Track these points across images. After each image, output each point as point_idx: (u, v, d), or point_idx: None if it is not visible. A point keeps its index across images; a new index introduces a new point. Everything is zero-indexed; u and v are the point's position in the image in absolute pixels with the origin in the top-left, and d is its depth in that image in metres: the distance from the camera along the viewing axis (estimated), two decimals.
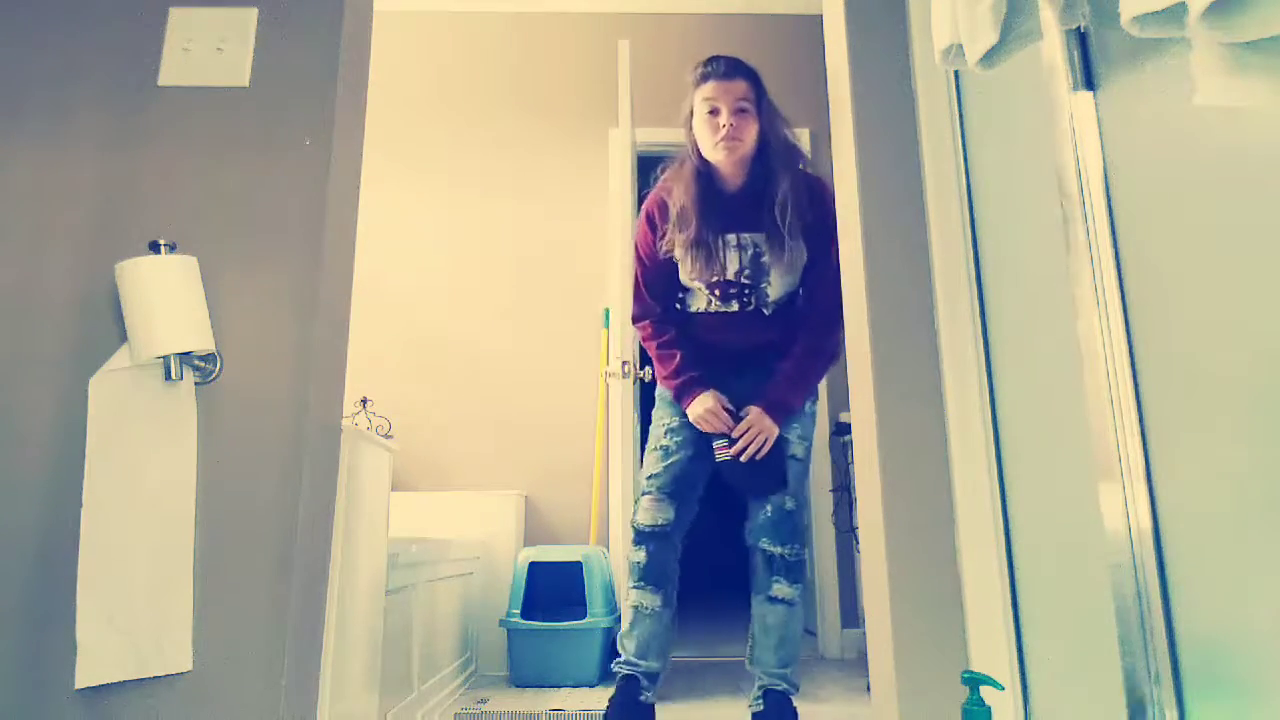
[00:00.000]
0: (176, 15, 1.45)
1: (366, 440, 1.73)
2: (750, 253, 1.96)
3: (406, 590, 2.13)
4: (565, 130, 3.77)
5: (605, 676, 2.60)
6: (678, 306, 2.11)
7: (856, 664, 3.12)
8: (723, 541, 3.80)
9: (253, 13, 1.45)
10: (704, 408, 1.94)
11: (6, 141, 1.40)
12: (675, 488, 1.99)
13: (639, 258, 2.08)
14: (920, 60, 1.50)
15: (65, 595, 1.21)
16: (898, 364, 1.44)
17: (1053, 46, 1.00)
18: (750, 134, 1.91)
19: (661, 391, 2.12)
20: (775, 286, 1.98)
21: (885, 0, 1.58)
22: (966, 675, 1.12)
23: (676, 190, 1.97)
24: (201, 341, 1.27)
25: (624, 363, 2.81)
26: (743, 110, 1.90)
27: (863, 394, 1.51)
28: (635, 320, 2.12)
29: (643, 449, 2.19)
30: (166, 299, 1.25)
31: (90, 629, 1.19)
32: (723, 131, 1.88)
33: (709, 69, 1.95)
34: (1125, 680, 0.91)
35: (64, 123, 1.41)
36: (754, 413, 1.92)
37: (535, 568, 2.82)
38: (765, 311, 2.00)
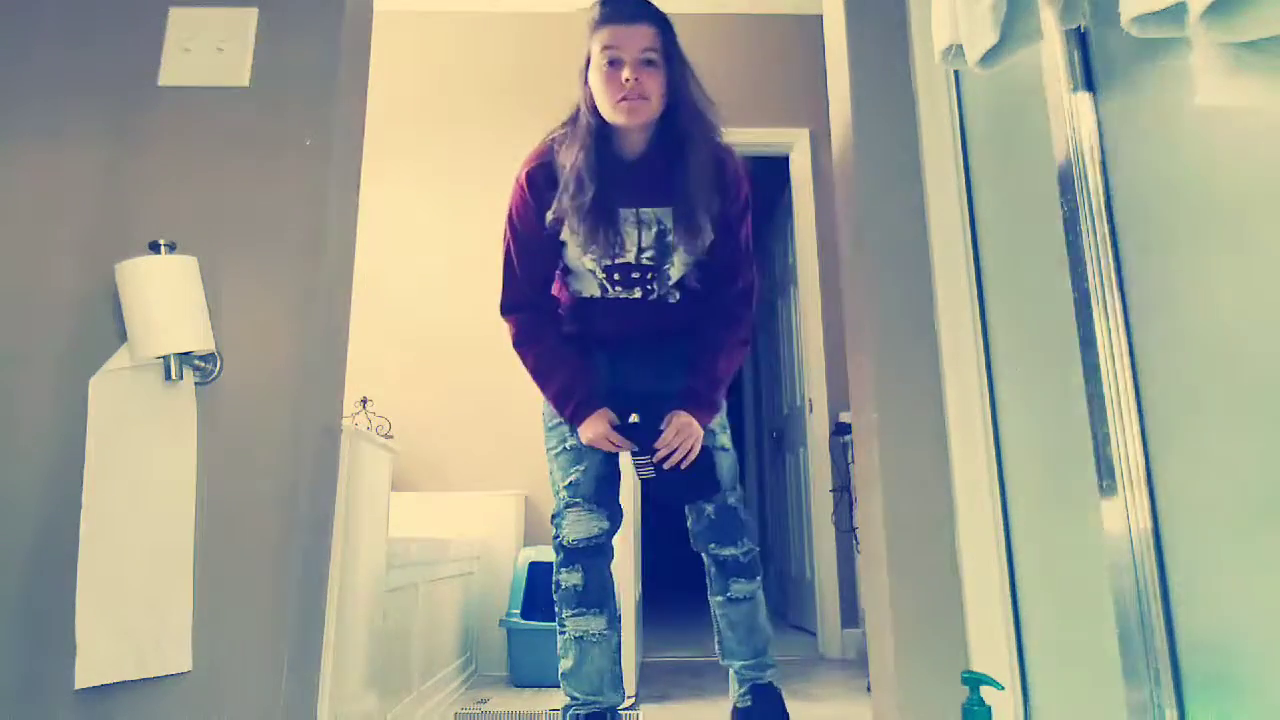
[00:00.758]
0: (176, 15, 1.45)
1: (366, 440, 1.73)
2: (654, 230, 1.63)
3: (406, 590, 2.13)
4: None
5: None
6: (555, 294, 1.78)
7: (856, 664, 3.12)
8: None
9: (253, 13, 1.45)
10: (594, 432, 1.63)
11: (6, 141, 1.40)
12: (600, 492, 1.69)
13: (513, 231, 1.68)
14: (920, 60, 1.50)
15: (65, 595, 1.21)
16: (898, 364, 1.44)
17: (1053, 46, 1.00)
18: (657, 92, 1.55)
19: None
20: (677, 269, 1.68)
21: (885, 0, 1.58)
22: (966, 675, 1.12)
23: (566, 154, 1.61)
24: (201, 341, 1.27)
25: None
26: (649, 63, 1.54)
27: (863, 394, 1.51)
28: (505, 311, 1.71)
29: None
30: (166, 299, 1.25)
31: (90, 629, 1.19)
32: (625, 89, 1.52)
33: (608, 9, 1.57)
34: (1125, 680, 0.91)
35: (64, 123, 1.41)
36: (679, 420, 1.61)
37: (535, 568, 2.82)
38: (671, 299, 1.71)
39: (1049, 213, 1.09)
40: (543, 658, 2.63)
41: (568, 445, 1.71)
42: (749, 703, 1.76)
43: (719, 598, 1.75)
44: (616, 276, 1.68)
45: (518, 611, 2.74)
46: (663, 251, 1.66)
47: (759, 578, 1.75)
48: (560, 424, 1.72)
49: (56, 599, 1.22)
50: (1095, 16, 0.93)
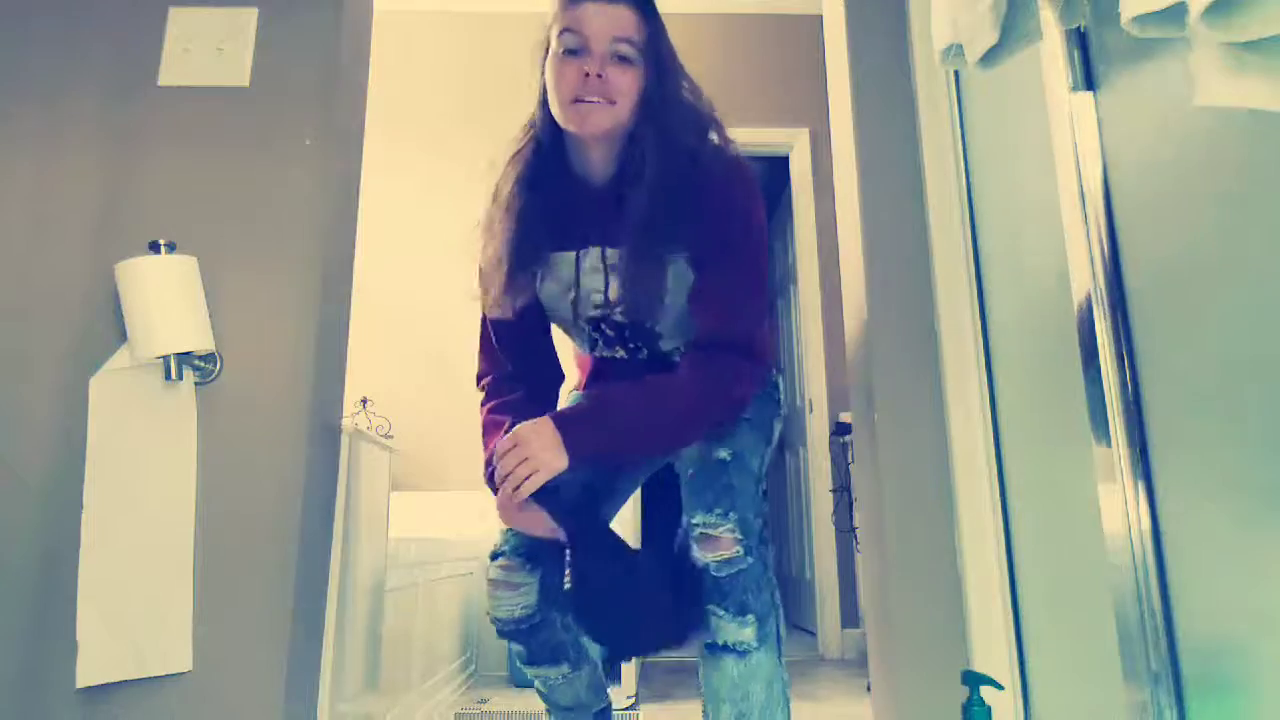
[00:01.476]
0: (176, 15, 1.45)
1: (366, 440, 1.73)
2: (621, 276, 1.21)
3: (406, 590, 2.13)
4: None
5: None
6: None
7: (856, 664, 3.12)
8: None
9: (253, 13, 1.45)
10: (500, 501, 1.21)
11: (6, 141, 1.40)
12: (537, 545, 1.24)
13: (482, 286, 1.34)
14: (920, 60, 1.50)
15: (66, 595, 1.21)
16: (898, 365, 1.44)
17: (1053, 46, 1.00)
18: (628, 94, 1.16)
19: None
20: (669, 324, 1.26)
21: (885, 0, 1.58)
22: (966, 675, 1.12)
23: (502, 176, 1.29)
24: (201, 341, 1.27)
25: None
26: (621, 58, 1.16)
27: (863, 394, 1.51)
28: (478, 381, 1.37)
29: None
30: (166, 299, 1.25)
31: (90, 629, 1.19)
32: (584, 86, 1.15)
33: None
34: (1125, 680, 0.91)
35: (64, 123, 1.41)
36: (514, 433, 1.16)
37: None
38: (675, 359, 1.30)
39: (1049, 213, 1.09)
40: None
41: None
42: None
43: (706, 644, 1.17)
44: (599, 331, 1.31)
45: None
46: (638, 301, 1.23)
47: (759, 624, 1.14)
48: None
49: (57, 598, 1.22)
50: (1095, 16, 0.93)
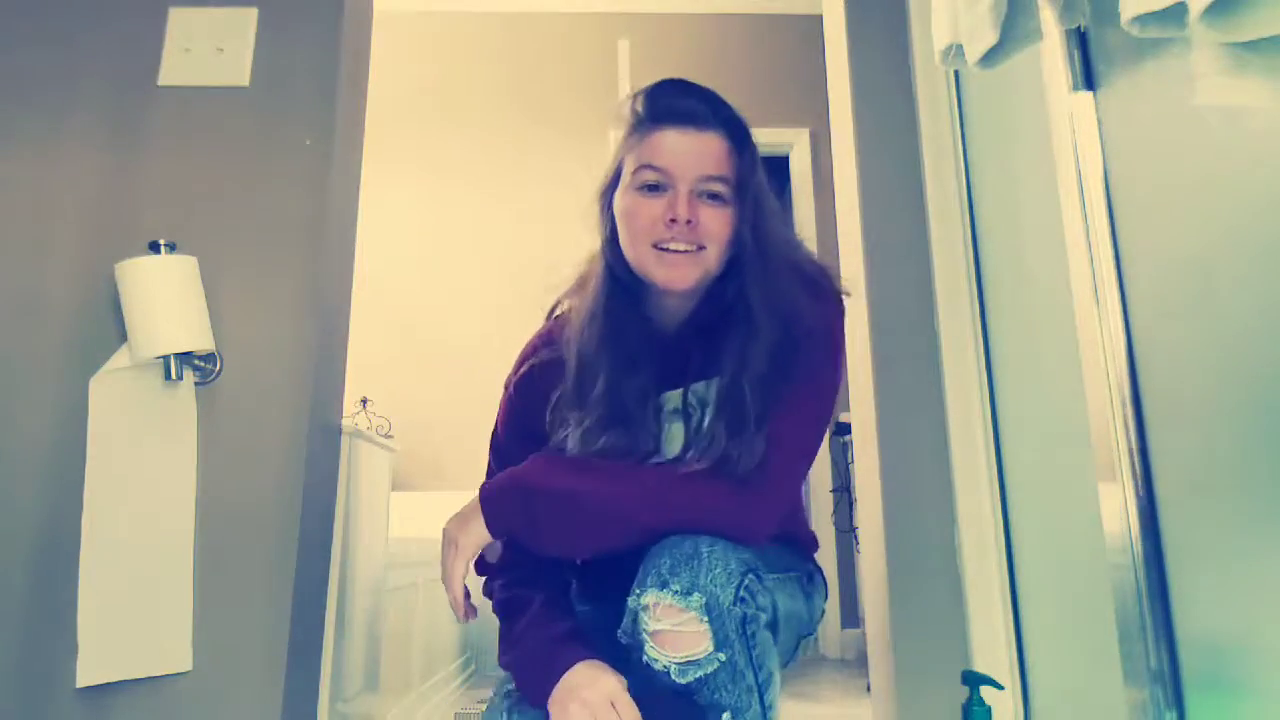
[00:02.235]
0: (176, 15, 1.45)
1: (366, 440, 1.72)
2: (699, 418, 1.00)
3: (406, 590, 2.13)
4: (565, 130, 3.76)
5: None
6: None
7: (856, 664, 3.12)
8: None
9: (253, 13, 1.45)
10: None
11: (6, 141, 1.40)
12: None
13: (494, 445, 1.18)
14: (920, 60, 1.50)
15: (66, 595, 1.21)
16: (898, 364, 1.44)
17: (1053, 46, 1.00)
18: (719, 238, 0.99)
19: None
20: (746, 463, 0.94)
21: (885, 0, 1.58)
22: (966, 675, 1.12)
23: (573, 327, 1.07)
24: (201, 341, 1.27)
25: None
26: (713, 196, 0.99)
27: (863, 395, 1.51)
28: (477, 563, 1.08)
29: None
30: (166, 299, 1.25)
31: (90, 629, 1.19)
32: (670, 230, 0.97)
33: (657, 103, 1.03)
34: (1125, 680, 0.91)
35: (64, 123, 1.41)
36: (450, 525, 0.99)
37: None
38: None
39: (1049, 213, 1.09)
40: None
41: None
42: None
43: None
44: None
45: None
46: (715, 443, 0.97)
47: None
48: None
49: (57, 598, 1.22)
50: (1095, 16, 0.93)
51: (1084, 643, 1.07)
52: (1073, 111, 0.98)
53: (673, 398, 1.03)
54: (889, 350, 1.45)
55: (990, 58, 0.99)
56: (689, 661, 0.83)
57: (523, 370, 1.12)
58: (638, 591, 0.87)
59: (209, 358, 1.31)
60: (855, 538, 3.15)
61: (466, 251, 3.64)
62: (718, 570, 0.85)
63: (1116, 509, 0.92)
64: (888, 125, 1.52)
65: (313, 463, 1.33)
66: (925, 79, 1.49)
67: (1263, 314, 0.72)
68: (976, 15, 0.98)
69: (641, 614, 0.86)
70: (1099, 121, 0.96)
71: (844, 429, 3.33)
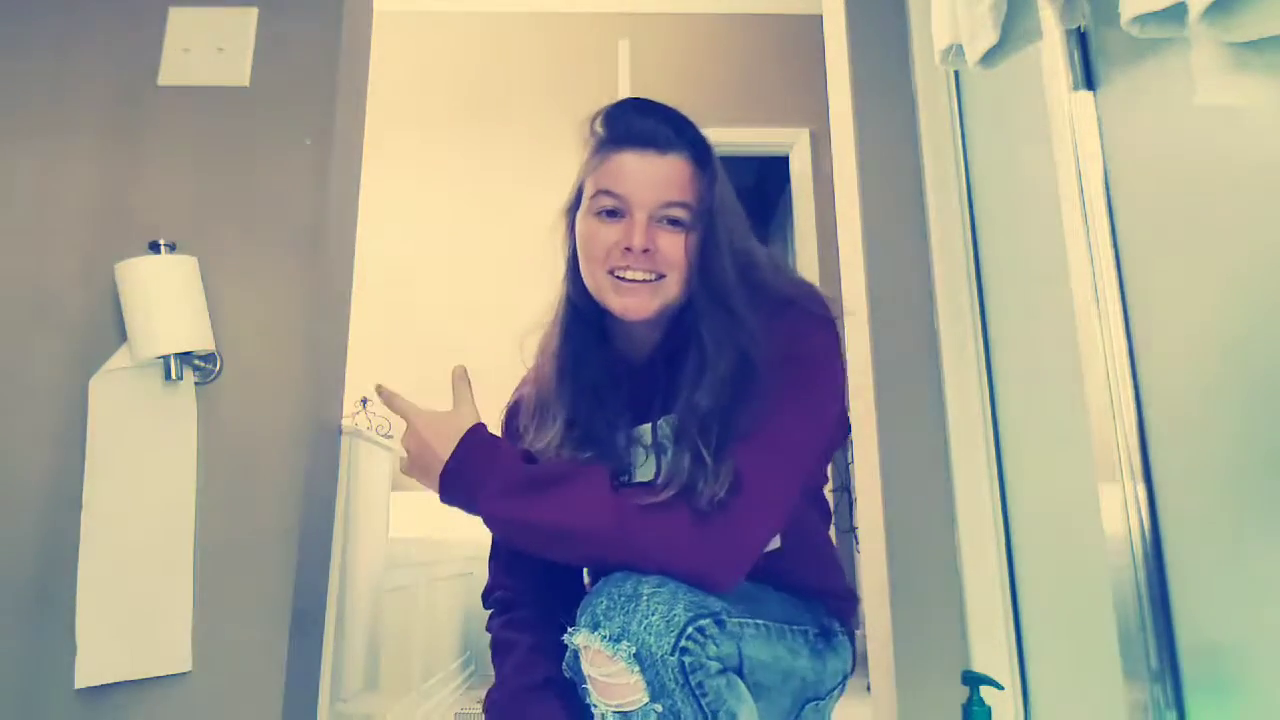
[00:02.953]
0: (176, 15, 1.45)
1: (366, 440, 1.72)
2: (671, 453, 0.91)
3: (406, 590, 2.13)
4: (565, 130, 3.76)
5: None
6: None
7: (857, 664, 3.12)
8: None
9: (253, 13, 1.45)
10: None
11: (7, 142, 1.40)
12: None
13: None
14: (920, 60, 1.50)
15: (66, 595, 1.21)
16: (898, 364, 1.44)
17: (1053, 46, 1.00)
18: (679, 265, 0.93)
19: None
20: (709, 494, 0.88)
21: (885, 0, 1.58)
22: (966, 675, 1.12)
23: (539, 363, 1.07)
24: (201, 341, 1.27)
25: None
26: (673, 221, 0.93)
27: (863, 395, 1.51)
28: (484, 599, 1.15)
29: None
30: (166, 299, 1.25)
31: (90, 629, 1.19)
32: (626, 258, 0.93)
33: (617, 125, 1.00)
34: (1125, 680, 0.91)
35: (64, 123, 1.41)
36: (432, 421, 1.05)
37: None
38: None
39: (1049, 212, 1.09)
40: None
41: None
42: None
43: None
44: None
45: None
46: (688, 474, 0.90)
47: None
48: None
49: (57, 598, 1.22)
50: (1095, 16, 0.93)
51: (1084, 643, 1.07)
52: (1073, 111, 0.98)
53: (644, 432, 0.98)
54: (889, 350, 1.45)
55: (990, 57, 0.99)
56: (623, 712, 0.79)
57: (508, 405, 1.12)
58: (570, 631, 0.82)
59: (209, 357, 1.31)
60: (855, 538, 3.15)
61: (467, 252, 3.64)
62: (654, 617, 0.78)
63: (1116, 509, 0.92)
64: (888, 125, 1.52)
65: (312, 463, 1.33)
66: (925, 79, 1.49)
67: (1263, 314, 0.72)
68: (976, 15, 0.98)
69: (581, 652, 0.81)
70: (1099, 121, 0.96)
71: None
